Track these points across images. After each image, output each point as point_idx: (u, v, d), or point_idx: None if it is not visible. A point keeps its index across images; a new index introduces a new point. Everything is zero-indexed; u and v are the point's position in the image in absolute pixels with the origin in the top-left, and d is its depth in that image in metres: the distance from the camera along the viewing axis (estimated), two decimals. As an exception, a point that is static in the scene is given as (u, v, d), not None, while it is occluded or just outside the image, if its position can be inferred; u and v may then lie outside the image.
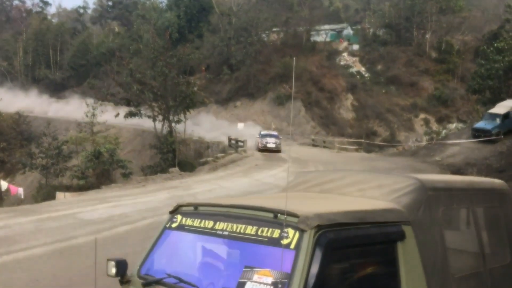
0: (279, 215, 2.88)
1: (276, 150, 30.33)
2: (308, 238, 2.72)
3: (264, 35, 49.22)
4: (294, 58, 3.85)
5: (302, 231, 2.75)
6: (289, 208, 2.82)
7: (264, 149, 30.17)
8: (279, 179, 18.27)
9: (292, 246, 2.74)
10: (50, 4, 71.53)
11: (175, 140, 27.29)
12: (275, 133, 32.77)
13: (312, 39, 51.89)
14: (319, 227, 2.76)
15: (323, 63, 47.23)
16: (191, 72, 45.43)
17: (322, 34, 52.50)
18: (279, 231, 2.83)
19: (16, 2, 68.37)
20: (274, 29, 51.13)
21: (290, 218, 2.81)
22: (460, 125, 39.45)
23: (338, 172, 4.31)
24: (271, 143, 30.61)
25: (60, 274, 7.46)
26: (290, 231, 2.79)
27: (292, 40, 50.12)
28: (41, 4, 69.35)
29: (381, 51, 48.74)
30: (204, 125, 35.72)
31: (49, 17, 65.72)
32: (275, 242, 2.81)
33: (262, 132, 33.00)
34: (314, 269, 2.66)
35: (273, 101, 42.54)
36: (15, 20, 63.93)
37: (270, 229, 2.89)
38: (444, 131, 38.09)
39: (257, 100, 44.17)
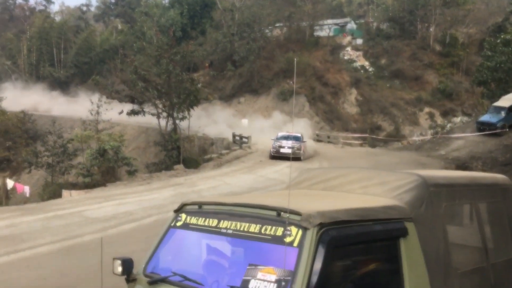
0: (282, 213, 2.92)
1: (294, 158, 23.88)
2: (311, 236, 2.75)
3: (267, 31, 49.12)
4: (296, 55, 3.89)
5: (305, 229, 2.79)
6: (292, 206, 2.85)
7: (277, 156, 24.11)
8: (283, 175, 18.29)
9: (295, 244, 2.77)
10: (53, 2, 71.91)
11: (179, 137, 27.32)
12: (298, 134, 25.90)
13: (316, 34, 51.76)
14: (321, 225, 2.79)
15: (327, 58, 47.12)
16: (195, 68, 45.52)
17: (326, 29, 52.35)
18: (282, 229, 2.87)
19: (19, 1, 68.56)
20: (277, 25, 51.03)
21: (293, 216, 2.84)
22: (465, 118, 39.32)
23: (341, 169, 4.34)
24: (286, 147, 24.19)
25: (67, 272, 7.54)
26: (293, 229, 2.82)
27: (295, 35, 50.02)
28: (44, 3, 69.50)
29: (385, 45, 48.56)
30: (216, 122, 35.59)
31: (52, 15, 65.75)
32: (278, 240, 2.85)
33: (279, 134, 26.47)
34: (317, 266, 2.69)
35: (277, 96, 42.51)
36: (18, 18, 64.07)
37: (274, 227, 2.92)
38: (449, 125, 37.98)
39: (261, 96, 44.14)
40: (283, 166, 21.30)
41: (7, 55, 56.51)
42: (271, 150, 25.01)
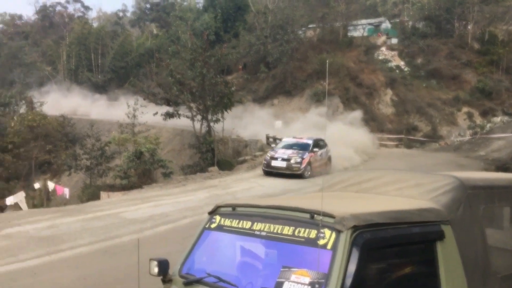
0: (315, 215, 2.92)
1: (291, 174, 18.34)
2: (345, 239, 2.74)
3: (300, 32, 48.97)
4: (329, 56, 3.88)
5: (338, 232, 2.78)
6: (325, 209, 2.85)
7: (270, 171, 18.93)
8: (317, 177, 18.17)
9: (329, 246, 2.77)
10: (91, 9, 73.57)
11: (213, 139, 27.55)
12: (308, 141, 19.89)
13: (349, 34, 51.25)
14: (355, 228, 2.78)
15: (361, 58, 46.56)
16: (229, 71, 45.82)
17: (360, 29, 51.79)
18: (315, 231, 2.87)
19: (58, 8, 70.77)
20: (311, 26, 50.82)
21: (326, 219, 2.84)
22: (506, 118, 38.13)
23: (375, 172, 4.30)
24: (279, 159, 18.70)
25: (105, 272, 7.72)
26: (327, 232, 2.82)
27: (329, 36, 49.64)
28: (82, 9, 71.58)
29: (421, 44, 47.58)
30: (250, 124, 35.67)
31: (90, 22, 67.49)
32: (312, 243, 2.85)
33: (284, 140, 21.46)
34: (351, 269, 2.68)
35: (311, 98, 42.25)
36: (58, 25, 66.05)
37: (307, 230, 2.93)
38: (488, 125, 36.92)
39: (294, 97, 44.01)
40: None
41: (48, 61, 58.32)
42: (263, 162, 19.64)
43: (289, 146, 19.84)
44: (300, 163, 18.56)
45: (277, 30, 44.56)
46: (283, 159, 18.75)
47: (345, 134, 23.69)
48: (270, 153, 19.62)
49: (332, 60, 39.17)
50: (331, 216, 2.84)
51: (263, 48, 45.24)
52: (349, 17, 50.32)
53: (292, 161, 18.62)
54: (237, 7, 52.88)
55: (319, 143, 20.15)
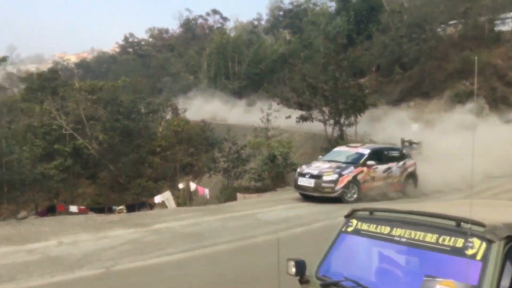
0: (462, 223, 2.74)
1: (320, 196, 13.99)
2: (497, 250, 2.54)
3: (439, 30, 46.25)
4: (473, 54, 3.61)
5: (489, 242, 2.58)
6: (474, 217, 2.66)
7: (300, 192, 15.04)
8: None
9: (478, 257, 2.58)
10: (229, 19, 77.64)
11: (346, 143, 27.22)
12: (363, 151, 15.23)
13: (496, 29, 47.02)
14: (509, 238, 2.55)
15: (510, 55, 42.48)
16: (361, 73, 45.01)
17: (509, 23, 47.24)
18: (462, 240, 2.69)
19: (200, 21, 75.96)
20: (451, 22, 47.67)
21: (475, 227, 2.65)
22: None
23: (531, 178, 3.89)
24: (307, 176, 14.40)
25: (243, 269, 8.06)
26: (476, 241, 2.63)
27: (472, 32, 46.05)
28: (221, 20, 75.96)
29: None
30: (384, 127, 34.67)
31: (228, 32, 71.19)
32: (458, 252, 2.69)
33: (335, 150, 17.05)
34: (505, 284, 2.47)
35: (451, 99, 39.61)
36: (199, 37, 70.94)
37: (453, 238, 2.77)
38: None
39: (432, 99, 41.62)
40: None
41: (190, 70, 62.83)
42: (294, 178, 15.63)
43: (335, 158, 15.38)
44: (335, 181, 13.85)
45: (414, 29, 42.72)
46: (312, 176, 14.26)
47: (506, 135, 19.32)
48: (300, 168, 15.46)
49: (477, 58, 36.42)
50: (481, 224, 2.64)
51: (398, 49, 43.67)
52: (496, 10, 46.16)
53: (324, 178, 13.98)
54: (370, 8, 51.76)
55: (385, 154, 15.43)
